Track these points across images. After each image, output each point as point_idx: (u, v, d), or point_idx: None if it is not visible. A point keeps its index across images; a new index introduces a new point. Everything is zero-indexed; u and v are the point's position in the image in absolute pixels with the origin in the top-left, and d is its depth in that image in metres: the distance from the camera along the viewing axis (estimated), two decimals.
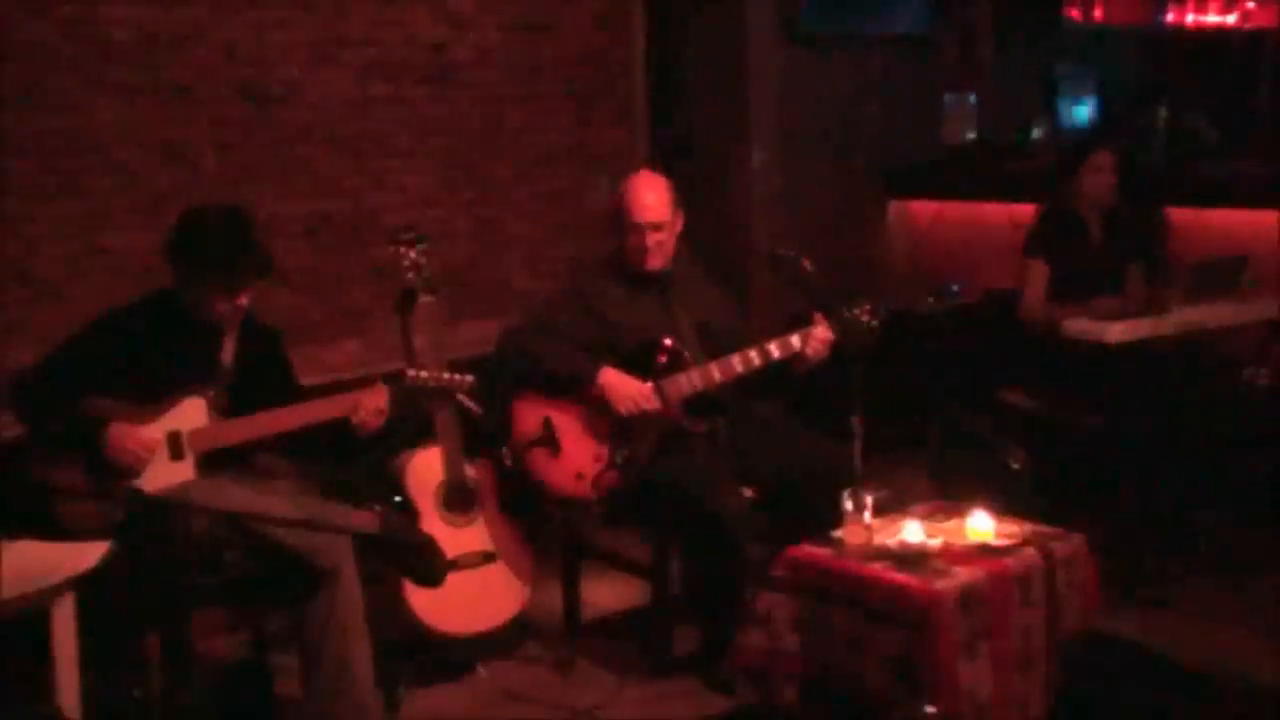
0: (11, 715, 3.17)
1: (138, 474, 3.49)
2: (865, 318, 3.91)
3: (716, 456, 3.98)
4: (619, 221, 4.02)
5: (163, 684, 3.50)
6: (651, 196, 4.00)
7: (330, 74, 4.87)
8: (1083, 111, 7.44)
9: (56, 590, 3.21)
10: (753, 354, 3.93)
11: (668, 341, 3.98)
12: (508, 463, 4.00)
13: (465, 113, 5.27)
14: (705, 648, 3.95)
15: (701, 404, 3.99)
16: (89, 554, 3.21)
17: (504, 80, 5.38)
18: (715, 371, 3.93)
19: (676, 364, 3.97)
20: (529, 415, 4.00)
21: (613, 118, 5.74)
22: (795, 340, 3.94)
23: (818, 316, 3.94)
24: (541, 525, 4.18)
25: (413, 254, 3.90)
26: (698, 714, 3.78)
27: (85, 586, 3.24)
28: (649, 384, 3.92)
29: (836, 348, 3.92)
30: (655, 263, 4.02)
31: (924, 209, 6.46)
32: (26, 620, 3.22)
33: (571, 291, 4.11)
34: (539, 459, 3.98)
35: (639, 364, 3.95)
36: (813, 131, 6.16)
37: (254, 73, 4.68)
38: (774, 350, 3.94)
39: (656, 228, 3.98)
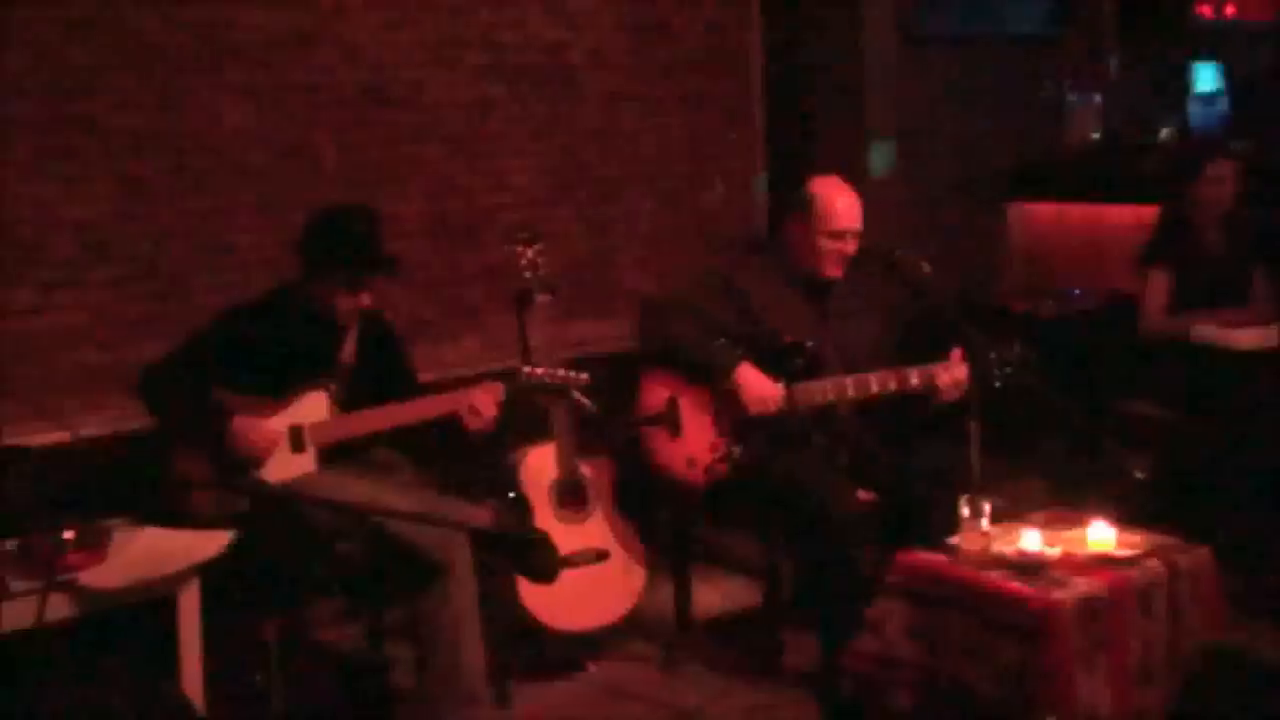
0: (138, 697, 3.25)
1: (261, 465, 3.57)
2: (1013, 365, 3.81)
3: (833, 459, 3.94)
4: (807, 224, 3.94)
5: (282, 671, 3.57)
6: (849, 203, 3.93)
7: (448, 75, 4.93)
8: (1212, 111, 7.24)
9: (182, 577, 3.29)
10: (891, 378, 3.88)
11: (810, 345, 3.93)
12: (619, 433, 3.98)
13: (581, 113, 5.29)
14: (817, 652, 3.92)
15: (830, 416, 3.95)
16: (213, 542, 3.28)
17: (620, 81, 5.39)
18: (850, 387, 3.88)
19: (814, 371, 3.92)
20: (656, 392, 3.99)
21: (729, 119, 5.72)
22: (937, 374, 3.86)
23: (957, 353, 3.87)
24: (652, 518, 4.18)
25: (529, 253, 3.93)
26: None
27: (209, 574, 3.31)
28: (781, 386, 3.88)
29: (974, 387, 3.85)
30: (837, 271, 3.96)
31: (1045, 211, 6.35)
32: (153, 605, 3.31)
33: (721, 277, 4.05)
34: (656, 437, 3.98)
35: (776, 363, 3.90)
36: (932, 133, 6.08)
37: (374, 74, 4.75)
38: (913, 379, 3.88)
39: (854, 236, 3.94)
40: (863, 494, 3.88)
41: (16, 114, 4.03)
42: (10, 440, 3.40)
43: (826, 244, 3.93)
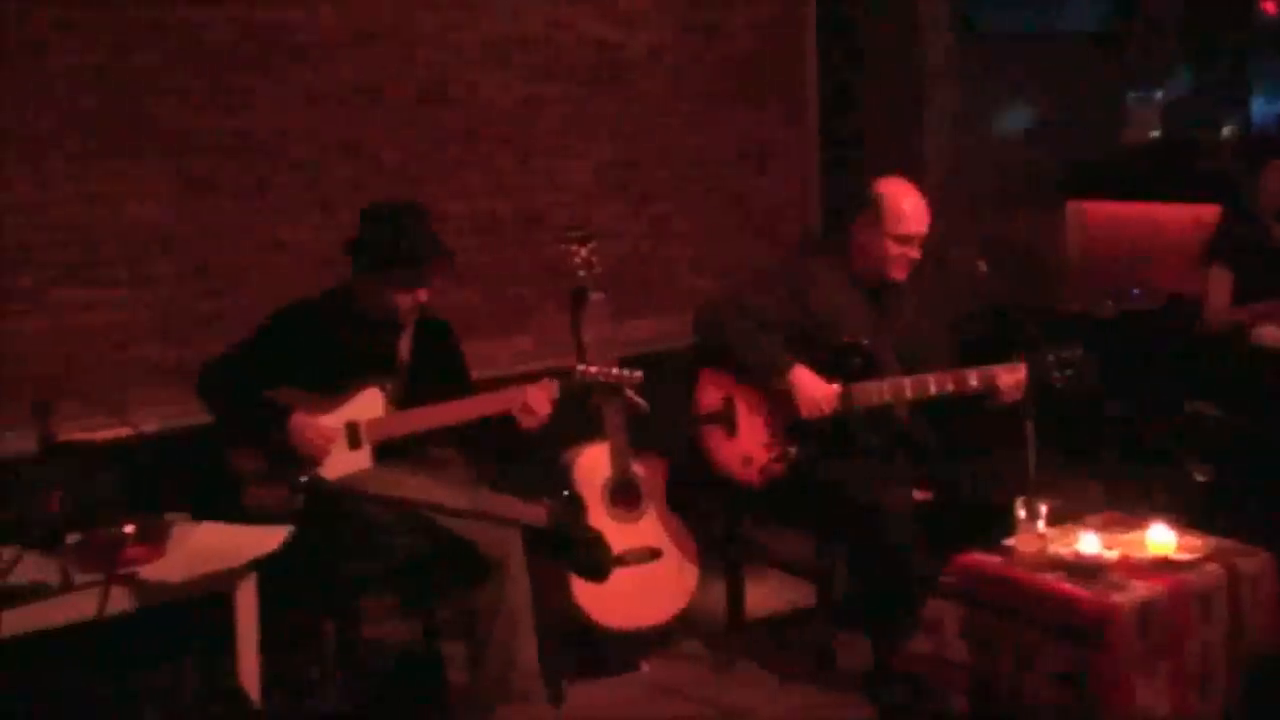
0: (196, 690, 3.30)
1: (318, 462, 3.60)
2: (1074, 369, 3.78)
3: (889, 460, 3.92)
4: (873, 227, 3.91)
5: (337, 666, 3.60)
6: (917, 206, 3.91)
7: (503, 74, 4.95)
8: (1275, 109, 7.14)
9: (239, 572, 3.32)
10: (949, 379, 3.85)
11: (867, 346, 3.91)
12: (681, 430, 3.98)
13: (635, 112, 5.30)
14: (869, 653, 3.90)
15: (886, 418, 3.93)
16: (270, 538, 3.32)
17: (674, 79, 5.39)
18: (908, 387, 3.86)
19: (872, 371, 3.90)
20: (713, 390, 3.99)
21: (783, 117, 5.70)
22: (996, 375, 3.84)
23: (1018, 356, 3.83)
24: (705, 517, 4.17)
25: (583, 252, 3.94)
26: None
27: (266, 569, 3.34)
28: (836, 388, 3.86)
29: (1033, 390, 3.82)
30: (902, 274, 3.94)
31: (1104, 209, 6.28)
32: (211, 600, 3.34)
33: (781, 275, 4.04)
34: (713, 436, 3.97)
35: (833, 362, 3.89)
36: (988, 130, 6.03)
37: (430, 74, 4.78)
38: (971, 380, 3.85)
39: (920, 239, 3.92)
40: (918, 494, 3.85)
41: (80, 112, 4.08)
42: (72, 435, 3.45)
43: (893, 247, 3.90)
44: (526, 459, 3.93)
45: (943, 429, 4.04)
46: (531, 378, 3.78)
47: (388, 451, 3.73)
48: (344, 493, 3.49)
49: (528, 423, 3.68)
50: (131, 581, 3.19)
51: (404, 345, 3.81)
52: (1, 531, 2.97)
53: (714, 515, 4.19)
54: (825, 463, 3.86)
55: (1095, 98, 6.41)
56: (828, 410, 3.85)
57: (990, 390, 3.84)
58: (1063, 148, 6.26)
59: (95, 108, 4.11)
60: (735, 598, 4.24)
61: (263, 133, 4.44)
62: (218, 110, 4.34)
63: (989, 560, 3.32)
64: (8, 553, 2.64)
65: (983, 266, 3.91)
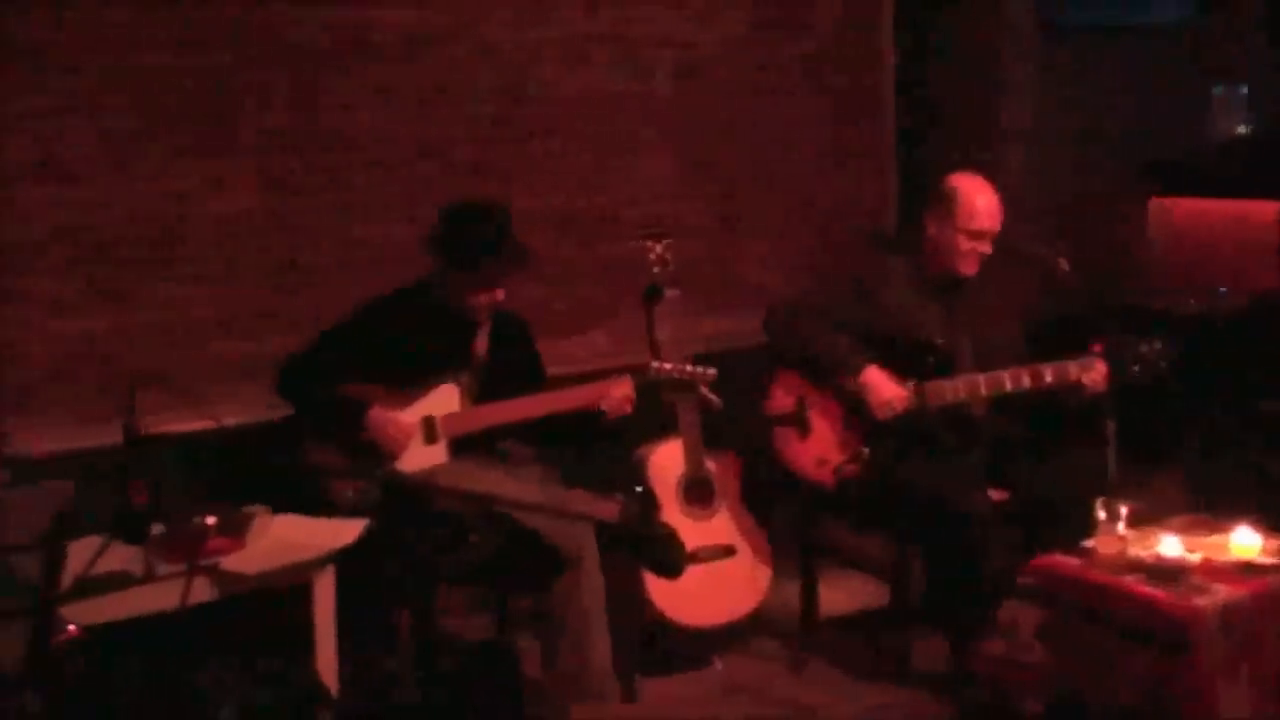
0: (275, 681, 3.34)
1: (395, 456, 3.64)
2: (1153, 358, 3.74)
3: (965, 459, 3.88)
4: (945, 222, 3.89)
5: (413, 659, 3.63)
6: (990, 202, 3.87)
7: (579, 71, 4.96)
8: None
9: (318, 564, 3.37)
10: (1024, 375, 3.81)
11: (940, 344, 3.88)
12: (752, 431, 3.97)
13: (710, 108, 5.28)
14: (945, 654, 3.87)
15: (961, 415, 3.90)
16: (348, 531, 3.36)
17: (749, 75, 5.37)
18: (982, 385, 3.83)
19: (945, 369, 3.87)
20: (785, 392, 3.98)
21: (859, 113, 5.66)
22: (1073, 370, 3.80)
23: (1095, 347, 3.79)
24: (779, 515, 4.16)
25: (658, 248, 3.94)
26: None
27: (344, 562, 3.38)
28: (908, 389, 3.83)
29: (1111, 383, 3.76)
30: (972, 269, 3.91)
31: (1189, 206, 6.16)
32: (291, 592, 3.39)
33: (851, 274, 4.03)
34: (786, 437, 3.96)
35: (906, 362, 3.86)
36: (1069, 126, 5.95)
37: (507, 72, 4.80)
38: (1048, 375, 3.81)
39: (993, 236, 3.89)
40: (995, 494, 3.82)
41: (163, 111, 4.15)
42: (156, 427, 3.51)
43: (965, 243, 3.87)
44: (601, 455, 3.94)
45: (1021, 427, 3.99)
46: (605, 374, 3.79)
47: (463, 446, 3.76)
48: (420, 487, 3.53)
49: (608, 414, 3.70)
50: (213, 572, 3.24)
51: (481, 341, 3.84)
52: (89, 522, 3.03)
53: (788, 514, 4.17)
54: (900, 462, 3.83)
55: (1179, 92, 6.29)
56: (900, 410, 3.82)
57: (1066, 386, 3.79)
58: (1146, 143, 6.16)
59: (178, 107, 4.18)
60: (809, 597, 4.23)
61: (342, 131, 4.49)
62: (298, 109, 4.40)
63: (1068, 562, 3.28)
64: (94, 543, 2.70)
65: (1064, 264, 3.86)
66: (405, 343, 3.72)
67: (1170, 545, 3.25)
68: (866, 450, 3.83)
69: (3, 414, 3.77)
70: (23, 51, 3.91)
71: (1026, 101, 5.84)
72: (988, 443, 3.94)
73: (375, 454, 3.63)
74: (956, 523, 3.66)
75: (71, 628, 2.55)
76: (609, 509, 3.67)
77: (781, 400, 3.98)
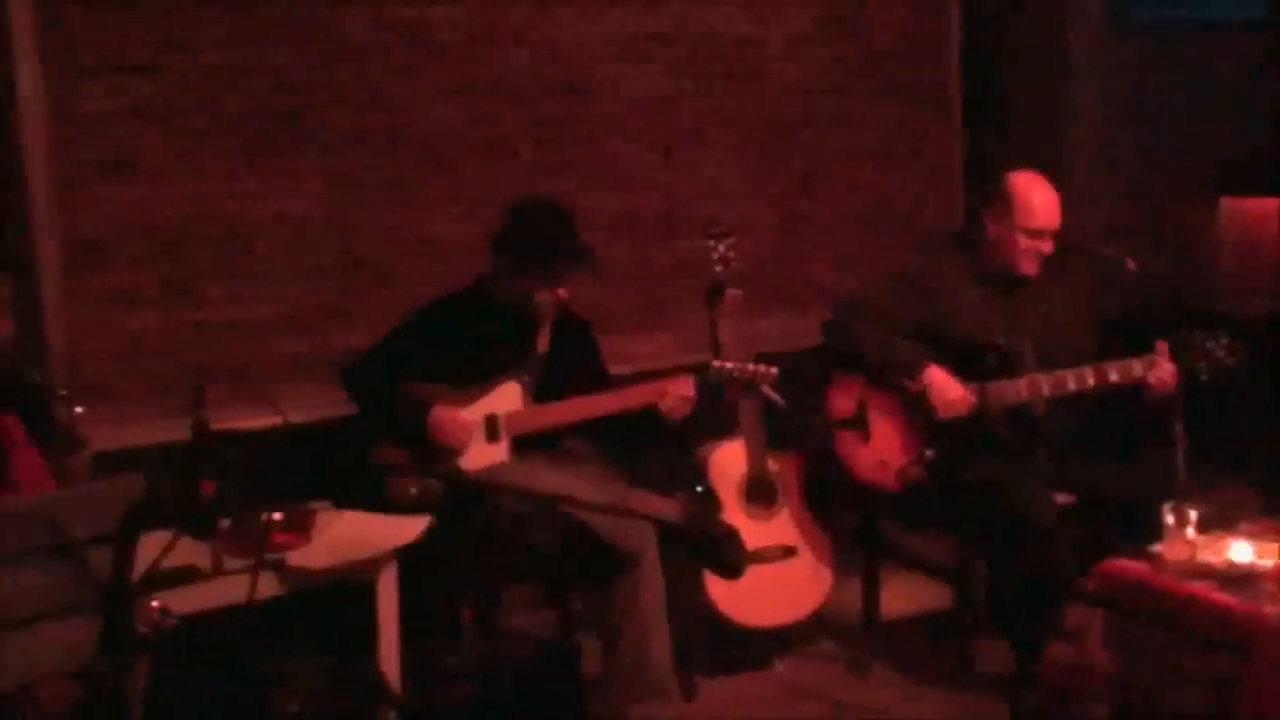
0: (339, 674, 3.37)
1: (458, 454, 3.66)
2: (1221, 354, 3.68)
3: (1029, 461, 3.84)
4: (1003, 221, 3.86)
5: (475, 655, 3.65)
6: (1048, 200, 3.84)
7: (641, 69, 4.96)
8: None
9: (381, 560, 3.39)
10: (1088, 374, 3.77)
11: (1002, 344, 3.85)
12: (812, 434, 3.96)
13: (773, 106, 5.27)
14: (1009, 658, 3.83)
15: (1024, 416, 3.86)
16: (411, 528, 3.38)
17: (813, 73, 5.35)
18: (1045, 385, 3.79)
19: (1007, 370, 3.83)
20: (845, 395, 3.97)
21: (925, 110, 5.62)
22: (1137, 368, 3.75)
23: (1161, 345, 3.74)
24: (841, 517, 4.14)
25: (721, 247, 3.93)
26: None
27: (407, 558, 3.40)
28: (971, 389, 3.80)
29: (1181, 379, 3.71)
30: (1032, 269, 3.88)
31: (1260, 206, 6.05)
32: (354, 587, 3.42)
33: (910, 275, 4.00)
34: (847, 440, 3.94)
35: (968, 362, 3.83)
36: (1139, 125, 5.86)
37: (569, 69, 4.81)
38: (1112, 374, 3.76)
39: (1052, 235, 3.85)
40: (1061, 497, 3.78)
41: (232, 111, 4.21)
42: (224, 423, 3.56)
43: (1023, 241, 3.83)
44: (662, 454, 3.94)
45: (1087, 428, 3.94)
46: (668, 373, 3.79)
47: (525, 445, 3.78)
48: (482, 485, 3.54)
49: (670, 413, 3.70)
50: (279, 568, 3.28)
51: (542, 339, 3.86)
52: (158, 516, 3.07)
53: (850, 514, 4.15)
54: (964, 464, 3.80)
55: (1251, 90, 6.18)
56: (963, 410, 3.79)
57: (1132, 385, 3.74)
58: (1217, 142, 6.05)
59: (244, 107, 4.23)
60: (871, 598, 4.21)
61: (406, 130, 4.52)
62: (362, 108, 4.44)
63: (1135, 567, 3.23)
64: (164, 537, 2.73)
65: (1131, 264, 3.81)
66: (468, 341, 3.74)
67: (1241, 551, 3.19)
68: (929, 452, 3.80)
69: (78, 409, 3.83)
70: (95, 52, 3.97)
71: (1096, 99, 5.76)
72: (1052, 444, 3.90)
73: (438, 452, 3.66)
74: (1021, 525, 3.63)
75: (155, 603, 2.57)
76: (671, 508, 3.67)
77: (842, 403, 3.96)
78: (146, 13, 4.05)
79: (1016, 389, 3.80)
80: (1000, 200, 3.87)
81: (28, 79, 3.80)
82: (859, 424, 3.92)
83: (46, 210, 3.89)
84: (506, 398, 3.76)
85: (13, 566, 2.16)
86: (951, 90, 5.68)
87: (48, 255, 3.89)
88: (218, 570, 3.15)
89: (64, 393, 2.72)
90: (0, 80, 3.72)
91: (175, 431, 3.56)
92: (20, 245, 3.80)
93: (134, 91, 4.04)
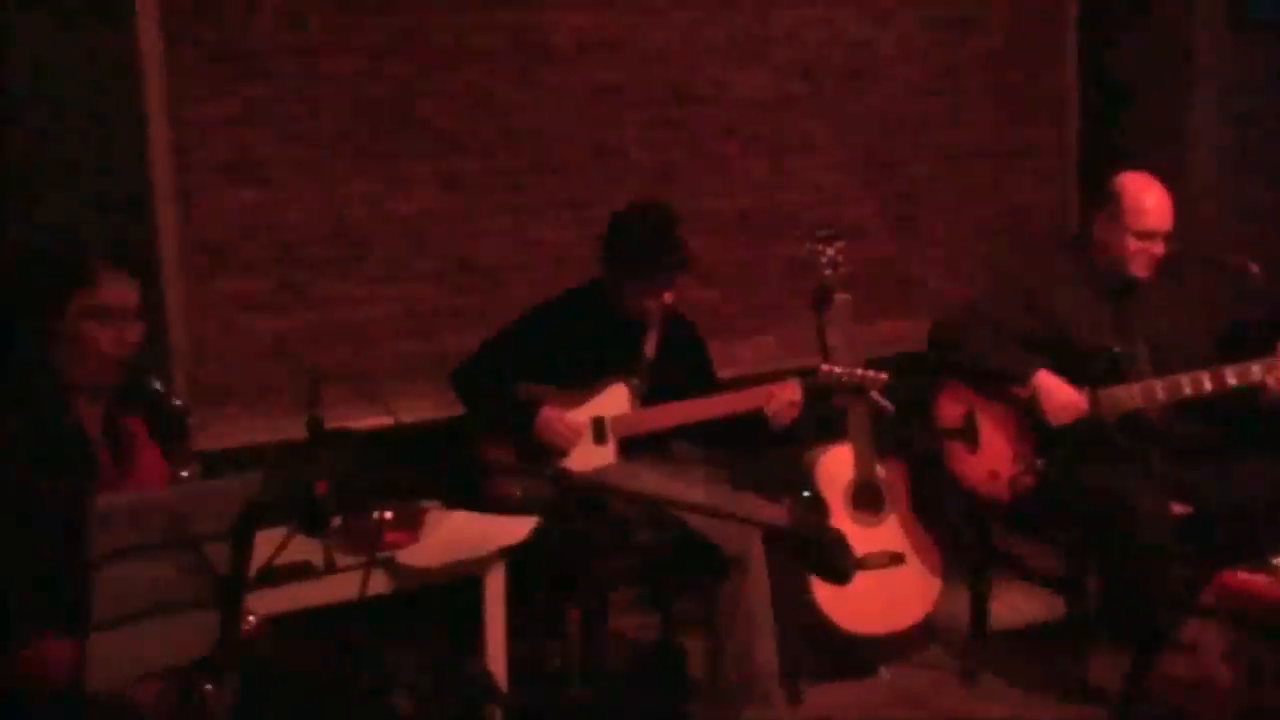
0: (447, 673, 3.42)
1: (565, 455, 3.69)
2: None
3: (1144, 469, 3.75)
4: (1113, 223, 3.80)
5: (581, 656, 3.68)
6: (1159, 202, 3.77)
7: (752, 73, 4.95)
8: None
9: (490, 559, 3.43)
10: (1205, 378, 3.68)
11: (1115, 349, 3.78)
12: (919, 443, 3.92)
13: (885, 109, 5.22)
14: (1123, 671, 3.75)
15: (1139, 421, 3.78)
16: (519, 528, 3.41)
17: (927, 75, 5.29)
18: (1160, 390, 3.71)
19: (1120, 375, 3.76)
20: (952, 405, 3.92)
21: (1040, 113, 5.53)
22: (1256, 370, 3.65)
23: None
24: (952, 526, 4.09)
25: (830, 251, 3.91)
26: None
27: (515, 558, 3.44)
28: (1084, 393, 3.74)
29: None
30: (1144, 271, 3.81)
31: None
32: (463, 587, 3.46)
33: (1017, 284, 3.95)
34: (955, 451, 3.90)
35: (1079, 369, 3.77)
36: (1264, 126, 5.70)
37: (680, 73, 4.82)
38: (1230, 378, 3.67)
39: (1163, 236, 3.78)
40: (1177, 506, 3.68)
41: (348, 116, 4.28)
42: (337, 422, 3.63)
43: (1133, 244, 3.76)
44: (768, 459, 3.93)
45: (1205, 435, 3.84)
46: (775, 377, 3.78)
47: (632, 447, 3.80)
48: (589, 487, 3.57)
49: (775, 422, 3.69)
50: (389, 565, 3.33)
51: (650, 342, 3.87)
52: (273, 514, 3.13)
53: (959, 522, 4.10)
54: (1076, 471, 3.73)
55: None
56: (1075, 416, 3.72)
57: (1253, 389, 3.64)
58: None
59: (360, 111, 4.30)
60: (980, 607, 4.14)
61: (519, 134, 4.56)
62: (476, 112, 4.49)
63: (1254, 580, 3.15)
64: (279, 534, 2.79)
65: (1255, 269, 3.71)
66: (576, 344, 3.77)
67: None
68: (1041, 461, 3.74)
69: (199, 408, 3.93)
70: (216, 59, 4.07)
71: (1218, 99, 5.61)
72: (1168, 451, 3.80)
73: (545, 452, 3.69)
74: (1136, 535, 3.55)
75: (252, 618, 2.64)
76: (777, 513, 3.66)
77: (949, 412, 3.91)
78: (265, 20, 4.14)
79: (1130, 394, 3.73)
80: (1110, 202, 3.80)
81: (153, 87, 3.90)
82: (968, 433, 3.87)
83: (169, 215, 3.99)
84: (614, 400, 3.78)
85: (131, 561, 2.21)
86: (1067, 91, 5.58)
87: (170, 259, 3.99)
88: (330, 567, 3.22)
89: (179, 402, 2.79)
90: (126, 88, 3.82)
91: (290, 431, 3.65)
92: (145, 250, 3.90)
93: (253, 97, 4.14)
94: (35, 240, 3.52)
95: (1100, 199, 3.87)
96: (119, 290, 2.67)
